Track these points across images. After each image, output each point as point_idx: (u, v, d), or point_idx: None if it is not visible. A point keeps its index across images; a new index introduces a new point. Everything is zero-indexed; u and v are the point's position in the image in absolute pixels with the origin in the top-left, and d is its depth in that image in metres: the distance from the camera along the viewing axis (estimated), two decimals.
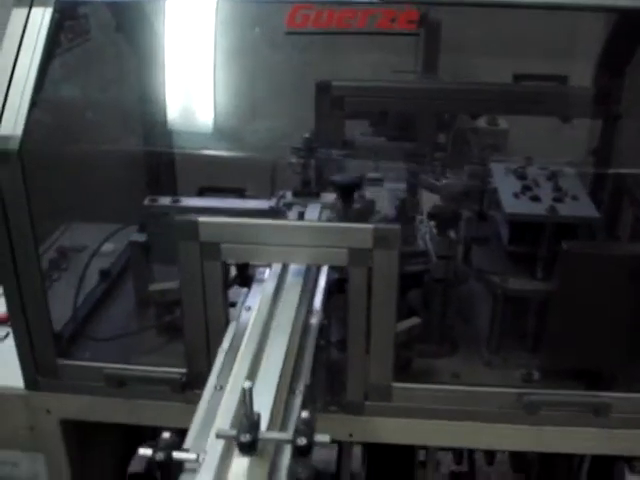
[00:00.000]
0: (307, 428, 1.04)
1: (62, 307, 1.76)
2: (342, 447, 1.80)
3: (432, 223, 1.71)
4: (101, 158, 1.88)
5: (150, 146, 2.21)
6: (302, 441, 1.01)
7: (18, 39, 1.50)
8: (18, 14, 1.51)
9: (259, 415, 1.05)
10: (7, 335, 1.81)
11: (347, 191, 1.64)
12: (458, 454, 2.11)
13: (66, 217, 2.08)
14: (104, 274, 1.98)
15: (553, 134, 2.21)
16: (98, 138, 1.89)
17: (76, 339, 1.72)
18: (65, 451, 1.72)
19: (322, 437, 1.03)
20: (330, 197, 1.80)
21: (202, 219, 1.44)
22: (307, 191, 1.85)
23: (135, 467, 1.95)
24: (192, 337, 1.53)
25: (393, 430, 1.59)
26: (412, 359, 1.68)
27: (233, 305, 1.50)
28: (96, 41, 1.90)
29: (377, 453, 1.85)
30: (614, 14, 1.89)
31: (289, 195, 1.84)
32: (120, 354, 1.68)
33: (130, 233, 1.89)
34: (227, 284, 1.52)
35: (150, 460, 1.05)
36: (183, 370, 1.57)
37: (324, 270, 1.53)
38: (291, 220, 1.51)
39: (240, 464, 1.03)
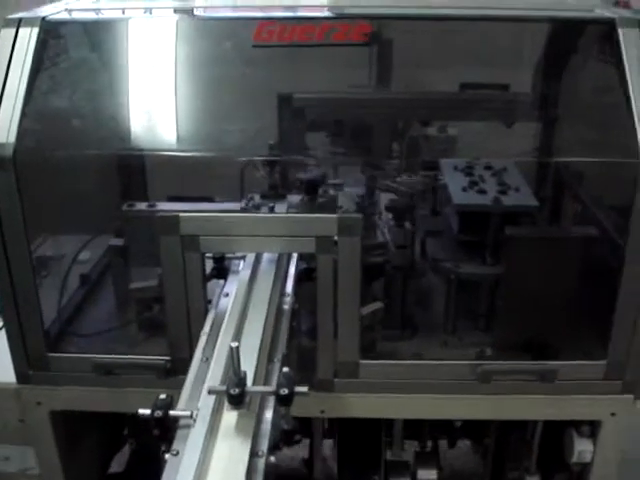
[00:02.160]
0: (288, 381, 1.18)
1: (46, 308, 1.89)
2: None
3: (389, 216, 1.87)
4: (76, 167, 2.02)
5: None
6: (284, 391, 1.16)
7: (7, 57, 1.64)
8: (7, 34, 1.65)
9: (245, 373, 1.20)
10: None
11: (312, 185, 1.79)
12: (423, 440, 2.25)
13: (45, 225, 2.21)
14: (84, 278, 2.10)
15: (500, 137, 2.41)
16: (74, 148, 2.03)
17: (64, 335, 1.83)
18: (55, 443, 1.82)
19: (301, 388, 1.18)
20: (296, 198, 1.96)
21: (183, 214, 1.58)
22: (274, 193, 2.01)
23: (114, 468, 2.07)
24: (174, 325, 1.66)
25: (361, 405, 1.74)
26: (376, 341, 1.83)
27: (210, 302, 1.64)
28: (73, 60, 2.04)
29: (347, 433, 1.99)
30: (549, 24, 2.10)
31: (257, 197, 2.00)
32: (105, 348, 1.79)
33: (109, 238, 2.02)
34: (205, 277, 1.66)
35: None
36: (167, 357, 1.69)
37: (294, 259, 1.69)
38: (264, 213, 1.65)
39: (230, 417, 1.17)
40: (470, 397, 1.72)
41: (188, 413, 1.18)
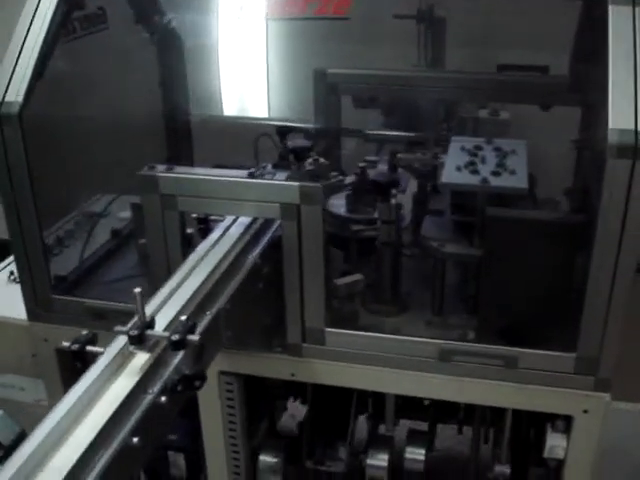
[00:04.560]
0: (183, 328, 1.26)
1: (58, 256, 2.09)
2: None
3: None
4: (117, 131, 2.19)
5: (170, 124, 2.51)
6: (175, 337, 1.24)
7: (29, 21, 1.81)
8: (29, 2, 1.82)
9: (153, 319, 1.29)
10: None
11: (299, 153, 1.85)
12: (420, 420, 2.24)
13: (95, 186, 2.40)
14: (115, 233, 2.28)
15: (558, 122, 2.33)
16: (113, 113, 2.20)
17: (67, 281, 2.01)
18: (60, 378, 2.01)
19: (192, 337, 1.25)
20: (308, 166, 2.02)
21: (161, 174, 1.69)
22: (284, 164, 2.08)
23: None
24: (157, 278, 1.77)
25: (328, 372, 1.78)
26: (357, 313, 1.86)
27: None
28: (114, 30, 2.21)
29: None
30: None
31: (270, 166, 2.07)
32: (104, 296, 1.94)
33: None
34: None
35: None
36: None
37: (275, 225, 1.74)
38: (234, 177, 1.73)
39: (131, 357, 1.27)
40: (434, 376, 1.71)
41: (101, 350, 1.30)
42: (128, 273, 2.11)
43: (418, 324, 1.87)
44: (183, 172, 1.76)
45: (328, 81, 2.35)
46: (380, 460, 2.04)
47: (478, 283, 1.80)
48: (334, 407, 2.03)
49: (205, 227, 1.80)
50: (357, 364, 1.75)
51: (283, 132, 2.09)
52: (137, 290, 1.25)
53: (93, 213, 2.38)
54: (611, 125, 1.45)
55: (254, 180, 1.68)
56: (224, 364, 1.84)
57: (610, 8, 1.54)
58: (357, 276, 1.83)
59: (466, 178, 1.78)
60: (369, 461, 2.04)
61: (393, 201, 1.82)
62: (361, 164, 1.99)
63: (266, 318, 1.76)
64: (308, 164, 1.88)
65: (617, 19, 1.53)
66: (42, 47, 1.78)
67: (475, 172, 1.80)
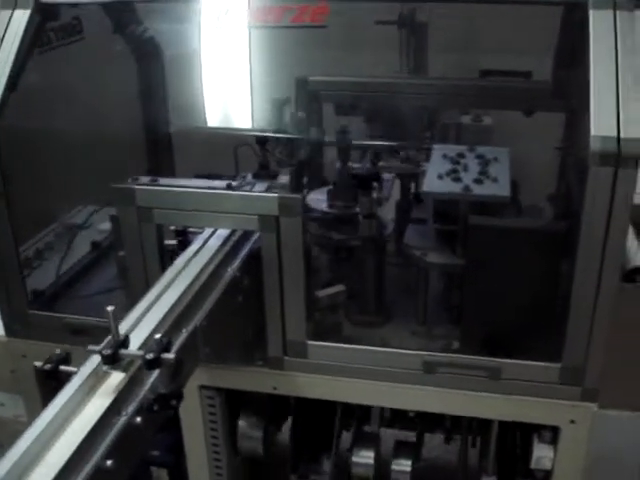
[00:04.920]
0: (158, 347, 1.23)
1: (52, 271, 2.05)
2: None
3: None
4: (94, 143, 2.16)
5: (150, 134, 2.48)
6: (150, 356, 1.21)
7: (1, 34, 1.78)
8: (2, 15, 1.79)
9: (127, 337, 1.26)
10: None
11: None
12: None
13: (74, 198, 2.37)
14: (95, 245, 2.24)
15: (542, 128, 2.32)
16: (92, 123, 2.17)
17: (44, 296, 1.97)
18: (40, 394, 1.96)
19: (167, 355, 1.22)
20: (284, 179, 1.99)
21: (138, 187, 1.66)
22: (265, 173, 2.05)
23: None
24: (135, 292, 1.74)
25: (311, 385, 1.75)
26: (340, 325, 1.83)
27: None
28: (91, 40, 2.18)
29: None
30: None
31: (249, 176, 2.05)
32: (81, 311, 1.91)
33: None
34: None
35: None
36: None
37: (254, 236, 1.71)
38: (212, 189, 1.70)
39: (105, 376, 1.24)
40: (416, 388, 1.69)
41: (74, 369, 1.26)
42: (108, 286, 2.08)
43: (403, 334, 1.85)
44: (164, 184, 1.74)
45: (309, 89, 2.32)
46: (366, 458, 2.01)
47: (461, 292, 1.78)
48: (318, 420, 2.00)
49: (184, 239, 1.77)
50: (340, 377, 1.72)
51: (262, 141, 2.06)
52: (109, 308, 1.22)
53: (73, 225, 2.35)
54: (593, 132, 1.43)
55: (232, 192, 1.66)
56: (204, 378, 1.81)
57: (591, 12, 1.53)
58: (339, 287, 1.80)
59: (448, 186, 1.76)
60: (355, 459, 2.01)
61: (374, 194, 1.79)
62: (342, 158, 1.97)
63: (246, 331, 1.73)
64: None
65: (598, 23, 1.51)
66: (15, 59, 1.75)
67: (457, 180, 1.78)
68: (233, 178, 2.00)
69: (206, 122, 2.55)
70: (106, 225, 2.31)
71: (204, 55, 2.31)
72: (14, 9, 1.79)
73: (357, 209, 1.87)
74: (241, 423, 1.97)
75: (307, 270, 1.66)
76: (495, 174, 1.81)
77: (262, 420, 1.97)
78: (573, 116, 2.07)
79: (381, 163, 1.98)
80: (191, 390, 1.84)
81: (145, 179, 2.09)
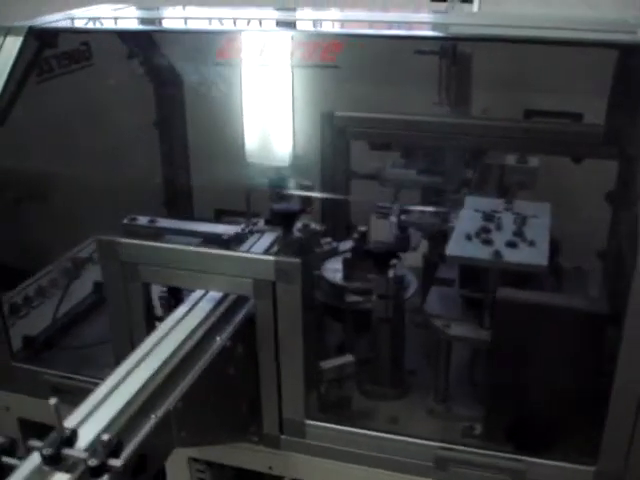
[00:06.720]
0: (104, 449, 1.04)
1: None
2: None
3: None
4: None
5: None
6: (93, 462, 1.02)
7: None
8: None
9: (75, 432, 1.08)
10: None
11: (284, 218, 1.63)
12: None
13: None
14: (97, 286, 2.08)
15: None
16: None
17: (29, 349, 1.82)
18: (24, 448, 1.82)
19: (114, 462, 1.03)
20: (299, 226, 1.81)
21: (123, 240, 1.49)
22: (277, 220, 1.86)
23: None
24: (119, 353, 1.57)
25: (308, 467, 1.55)
26: (348, 399, 1.62)
27: None
28: (100, 66, 2.03)
29: None
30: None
31: (261, 223, 1.86)
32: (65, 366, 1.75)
33: None
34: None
35: None
36: None
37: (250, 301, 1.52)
38: (202, 247, 1.52)
39: (50, 477, 1.06)
40: None
41: (15, 462, 1.10)
42: (105, 334, 1.92)
43: (418, 413, 1.63)
44: (158, 230, 1.58)
45: (335, 124, 2.13)
46: None
47: (486, 373, 1.55)
48: None
49: (177, 298, 1.60)
50: (342, 461, 1.52)
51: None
52: (53, 402, 1.04)
53: (79, 259, 2.21)
54: None
55: (224, 252, 1.48)
56: (194, 450, 1.63)
57: None
58: (347, 357, 1.60)
59: (476, 250, 1.54)
60: None
61: (391, 273, 1.59)
62: (361, 228, 1.77)
63: (238, 405, 1.54)
64: (297, 230, 1.66)
65: None
66: (3, 91, 1.61)
67: (487, 242, 1.56)
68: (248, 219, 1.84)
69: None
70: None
71: (223, 88, 2.13)
72: (5, 36, 1.66)
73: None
74: None
75: (309, 339, 1.46)
76: (532, 236, 1.57)
77: None
78: (628, 164, 1.83)
79: (403, 217, 1.75)
80: (180, 462, 1.67)
81: (143, 219, 1.94)
